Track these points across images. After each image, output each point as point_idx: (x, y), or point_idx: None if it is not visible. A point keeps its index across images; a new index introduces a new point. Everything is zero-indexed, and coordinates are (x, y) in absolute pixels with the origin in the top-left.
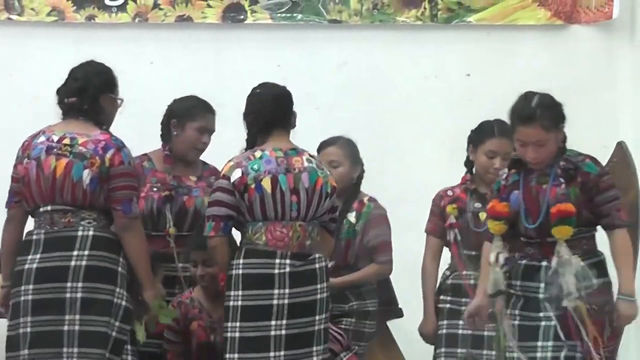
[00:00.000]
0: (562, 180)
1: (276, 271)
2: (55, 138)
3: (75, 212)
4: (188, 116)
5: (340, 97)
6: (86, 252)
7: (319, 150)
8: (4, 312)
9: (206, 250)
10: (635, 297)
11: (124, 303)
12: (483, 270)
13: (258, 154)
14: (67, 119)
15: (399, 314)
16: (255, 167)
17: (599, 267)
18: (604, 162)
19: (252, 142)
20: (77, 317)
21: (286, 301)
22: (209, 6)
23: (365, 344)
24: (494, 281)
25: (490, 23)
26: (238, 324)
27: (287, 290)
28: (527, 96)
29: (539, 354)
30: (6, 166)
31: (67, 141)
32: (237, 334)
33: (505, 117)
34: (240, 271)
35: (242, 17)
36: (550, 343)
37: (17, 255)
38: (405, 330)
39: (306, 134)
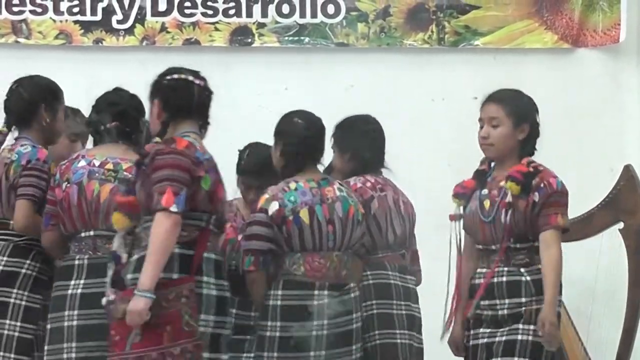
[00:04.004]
0: None
1: (315, 302)
2: (97, 162)
3: None
4: None
5: None
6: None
7: None
8: None
9: (262, 176)
10: (147, 293)
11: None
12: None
13: (293, 185)
14: (104, 144)
15: None
16: (292, 199)
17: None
18: (611, 186)
19: (291, 173)
20: None
21: (325, 332)
22: (216, 29)
23: None
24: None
25: (497, 46)
26: (276, 354)
27: (325, 321)
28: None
29: None
30: None
31: (110, 166)
32: None
33: None
34: (279, 302)
35: (249, 40)
36: None
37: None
38: None
39: None
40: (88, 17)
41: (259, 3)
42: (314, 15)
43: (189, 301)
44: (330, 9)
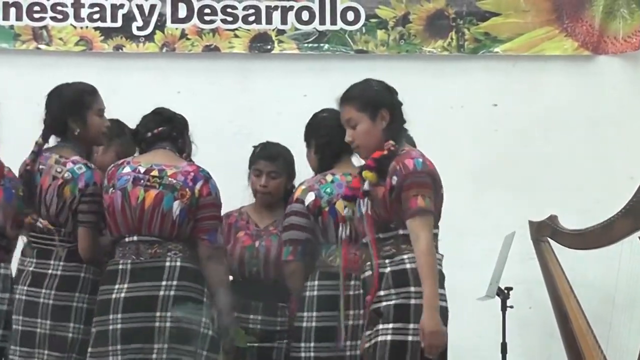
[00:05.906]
0: None
1: (351, 292)
2: (142, 169)
3: (162, 243)
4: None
5: None
6: (174, 283)
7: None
8: None
9: (274, 162)
10: None
11: (210, 332)
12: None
13: (329, 177)
14: (151, 151)
15: None
16: (328, 190)
17: None
18: (631, 194)
19: (326, 165)
20: (166, 346)
21: (360, 322)
22: (236, 36)
23: None
24: None
25: (517, 53)
26: (312, 344)
27: (360, 312)
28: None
29: None
30: None
31: (155, 173)
32: (312, 354)
33: (528, 146)
34: (315, 293)
35: (269, 47)
36: None
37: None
38: None
39: None
40: (108, 24)
41: (279, 10)
42: (333, 22)
43: None
44: (350, 16)
